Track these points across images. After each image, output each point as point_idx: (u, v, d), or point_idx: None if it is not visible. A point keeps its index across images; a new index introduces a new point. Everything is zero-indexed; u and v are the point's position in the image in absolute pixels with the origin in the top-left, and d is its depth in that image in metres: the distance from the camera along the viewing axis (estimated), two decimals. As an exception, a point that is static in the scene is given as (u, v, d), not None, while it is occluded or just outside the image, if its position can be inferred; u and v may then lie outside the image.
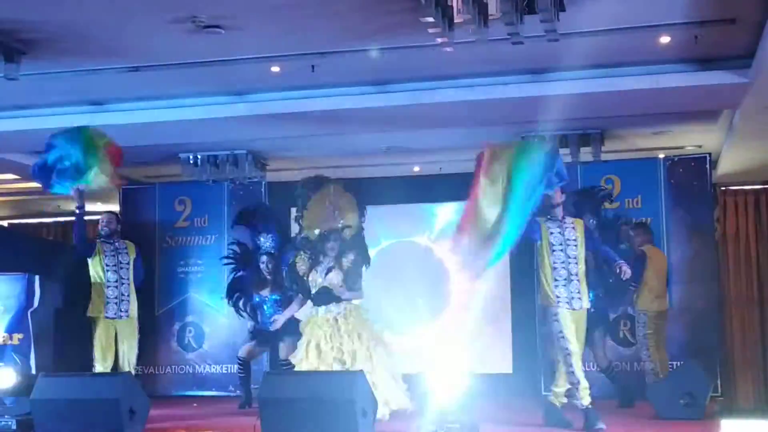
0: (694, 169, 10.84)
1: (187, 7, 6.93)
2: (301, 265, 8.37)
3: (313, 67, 8.24)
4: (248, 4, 6.86)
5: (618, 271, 7.75)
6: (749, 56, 7.92)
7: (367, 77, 8.61)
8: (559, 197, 7.64)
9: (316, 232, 8.39)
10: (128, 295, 9.12)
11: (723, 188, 12.15)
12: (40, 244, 13.34)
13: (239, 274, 10.19)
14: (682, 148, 11.27)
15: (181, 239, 12.17)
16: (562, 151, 10.65)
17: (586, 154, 10.72)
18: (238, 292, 10.01)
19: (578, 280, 7.63)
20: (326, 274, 8.23)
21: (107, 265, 9.00)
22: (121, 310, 9.01)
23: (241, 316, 10.08)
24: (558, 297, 7.55)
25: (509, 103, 8.93)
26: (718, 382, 10.21)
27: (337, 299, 8.21)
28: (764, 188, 12.14)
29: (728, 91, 8.50)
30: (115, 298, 9.01)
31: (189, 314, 12.01)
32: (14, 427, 7.40)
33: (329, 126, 9.71)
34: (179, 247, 12.15)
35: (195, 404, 10.52)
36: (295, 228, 9.31)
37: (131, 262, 9.20)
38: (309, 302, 8.53)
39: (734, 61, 8.18)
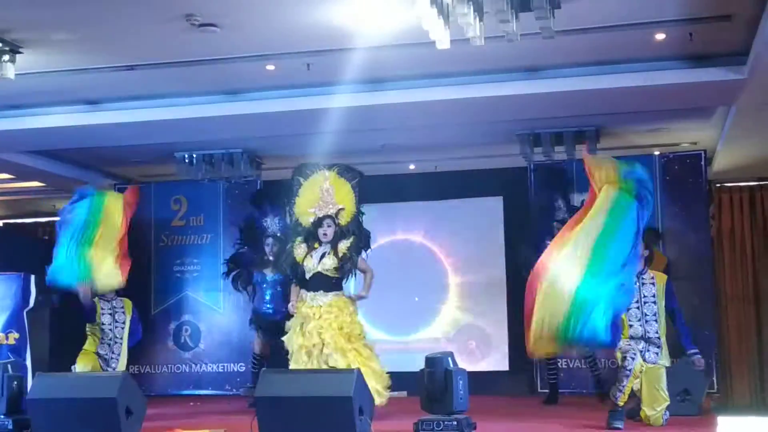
0: (689, 166, 10.85)
1: (183, 5, 6.93)
2: (299, 251, 8.30)
3: (308, 65, 8.24)
4: (243, 2, 6.86)
5: (693, 363, 7.63)
6: (744, 53, 7.93)
7: (362, 75, 8.59)
8: (642, 250, 7.38)
9: (309, 218, 8.31)
10: (118, 354, 8.95)
11: (718, 185, 12.16)
12: (36, 244, 13.33)
13: (242, 249, 10.18)
14: (677, 145, 11.28)
15: (177, 238, 12.17)
16: (557, 148, 10.71)
17: (581, 151, 10.71)
18: (238, 267, 10.01)
19: (657, 338, 7.50)
20: (320, 259, 8.17)
21: (103, 323, 8.80)
22: (109, 367, 8.86)
23: (237, 290, 10.10)
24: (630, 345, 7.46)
25: (504, 101, 8.93)
26: (714, 378, 10.23)
27: (330, 287, 8.14)
28: (759, 185, 12.15)
29: (723, 88, 8.51)
30: (105, 355, 8.87)
31: (185, 313, 12.02)
32: (10, 426, 7.37)
33: (324, 124, 9.70)
34: (175, 246, 12.15)
35: (191, 403, 10.52)
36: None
37: (127, 321, 9.02)
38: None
39: (729, 58, 8.19)
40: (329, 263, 8.09)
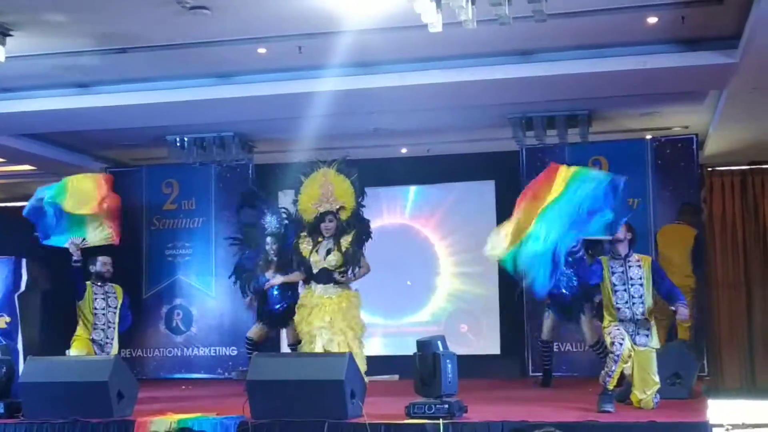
0: (681, 150, 10.87)
1: (174, -13, 6.91)
2: (305, 246, 8.46)
3: (299, 48, 8.22)
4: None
5: (675, 311, 7.56)
6: (736, 37, 7.93)
7: (354, 59, 8.57)
8: (623, 233, 7.46)
9: (312, 214, 8.49)
10: (112, 339, 8.94)
11: (710, 169, 12.17)
12: (27, 228, 13.27)
13: (245, 254, 10.18)
14: (669, 129, 11.29)
15: (169, 222, 12.15)
16: (549, 132, 10.71)
17: (573, 135, 10.74)
18: (245, 272, 9.99)
19: (645, 319, 7.47)
20: (326, 255, 8.36)
21: (96, 308, 8.76)
22: (104, 351, 8.86)
23: (246, 296, 10.09)
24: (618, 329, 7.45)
25: (496, 85, 8.92)
26: (705, 362, 10.26)
27: (336, 280, 8.36)
28: (750, 169, 12.16)
29: (715, 72, 8.51)
30: (100, 340, 8.84)
31: (177, 297, 12.01)
32: (1, 410, 7.38)
33: (316, 108, 9.68)
34: (167, 229, 12.13)
35: (183, 387, 10.53)
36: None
37: (119, 307, 9.01)
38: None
39: (721, 42, 8.18)
40: (334, 260, 8.35)
